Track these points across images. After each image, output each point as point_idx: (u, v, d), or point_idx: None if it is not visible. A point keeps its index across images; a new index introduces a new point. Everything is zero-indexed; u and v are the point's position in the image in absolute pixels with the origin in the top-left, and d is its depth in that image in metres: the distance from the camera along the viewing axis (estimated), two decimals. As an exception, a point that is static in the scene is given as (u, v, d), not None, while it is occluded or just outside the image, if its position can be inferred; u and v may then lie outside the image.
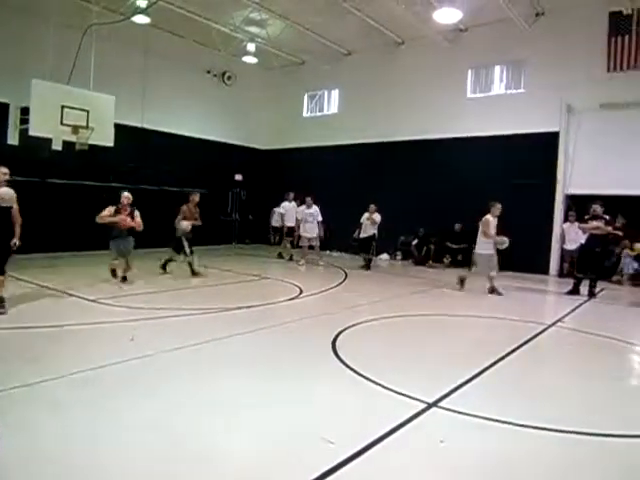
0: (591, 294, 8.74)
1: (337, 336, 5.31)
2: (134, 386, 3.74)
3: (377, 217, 11.49)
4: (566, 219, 11.28)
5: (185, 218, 9.07)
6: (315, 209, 11.96)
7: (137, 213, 8.01)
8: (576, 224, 9.64)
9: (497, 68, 12.99)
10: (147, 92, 13.44)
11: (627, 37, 10.66)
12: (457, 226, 12.70)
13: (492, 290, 8.60)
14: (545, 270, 11.72)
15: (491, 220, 8.61)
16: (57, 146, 9.25)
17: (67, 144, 9.42)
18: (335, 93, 16.16)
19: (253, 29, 13.64)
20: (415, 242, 13.31)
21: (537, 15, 11.78)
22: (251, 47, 14.08)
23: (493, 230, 8.60)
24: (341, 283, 9.43)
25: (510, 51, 12.31)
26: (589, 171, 11.06)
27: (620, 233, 10.32)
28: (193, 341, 4.86)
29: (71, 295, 6.90)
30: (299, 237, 12.30)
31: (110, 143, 10.07)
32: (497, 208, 8.76)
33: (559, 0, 11.18)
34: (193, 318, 5.96)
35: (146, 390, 3.68)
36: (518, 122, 11.86)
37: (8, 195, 5.69)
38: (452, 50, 13.13)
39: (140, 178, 12.52)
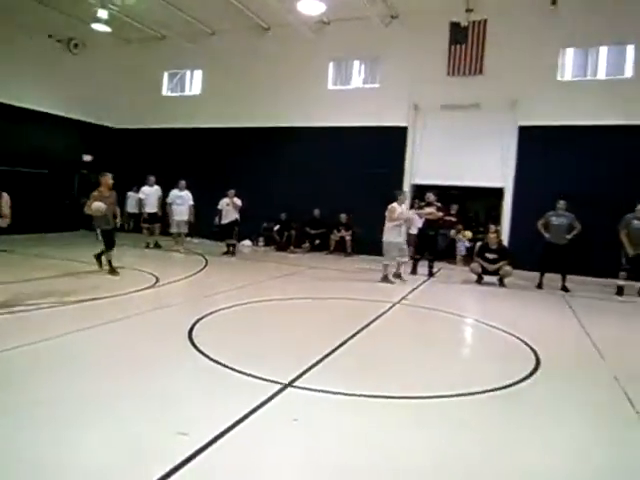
0: (430, 274, 9.78)
1: (194, 325, 5.15)
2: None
3: (238, 201, 11.34)
4: (412, 206, 12.38)
5: None
6: (186, 192, 11.41)
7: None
8: (412, 210, 10.60)
9: (356, 62, 13.67)
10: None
11: (464, 46, 12.00)
12: (316, 212, 13.12)
13: (398, 275, 8.98)
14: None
15: (397, 207, 8.76)
16: None
17: None
18: (198, 74, 15.49)
19: (105, -7, 12.31)
20: (277, 228, 13.42)
21: (392, 17, 12.64)
22: (102, 13, 12.62)
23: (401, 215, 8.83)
24: (201, 270, 9.17)
25: (368, 47, 13.02)
26: (431, 164, 12.28)
27: (453, 219, 11.79)
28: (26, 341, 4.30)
29: None
30: (167, 221, 11.59)
31: None
32: (404, 196, 9.28)
33: (411, 5, 12.09)
34: (28, 314, 5.28)
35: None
36: (373, 115, 12.63)
37: None
38: (316, 41, 13.43)
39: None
